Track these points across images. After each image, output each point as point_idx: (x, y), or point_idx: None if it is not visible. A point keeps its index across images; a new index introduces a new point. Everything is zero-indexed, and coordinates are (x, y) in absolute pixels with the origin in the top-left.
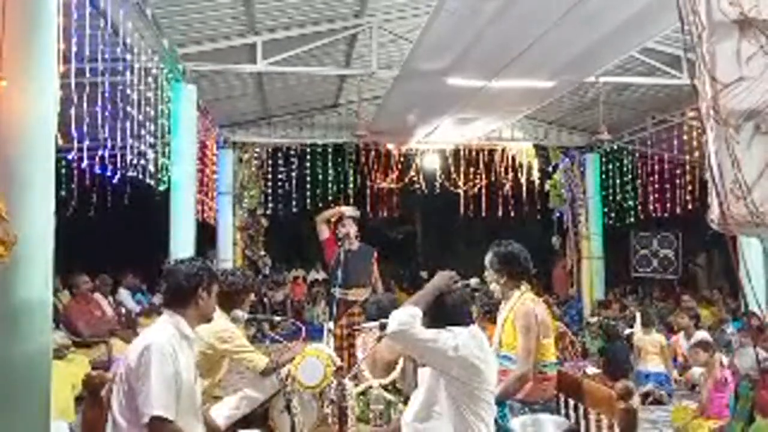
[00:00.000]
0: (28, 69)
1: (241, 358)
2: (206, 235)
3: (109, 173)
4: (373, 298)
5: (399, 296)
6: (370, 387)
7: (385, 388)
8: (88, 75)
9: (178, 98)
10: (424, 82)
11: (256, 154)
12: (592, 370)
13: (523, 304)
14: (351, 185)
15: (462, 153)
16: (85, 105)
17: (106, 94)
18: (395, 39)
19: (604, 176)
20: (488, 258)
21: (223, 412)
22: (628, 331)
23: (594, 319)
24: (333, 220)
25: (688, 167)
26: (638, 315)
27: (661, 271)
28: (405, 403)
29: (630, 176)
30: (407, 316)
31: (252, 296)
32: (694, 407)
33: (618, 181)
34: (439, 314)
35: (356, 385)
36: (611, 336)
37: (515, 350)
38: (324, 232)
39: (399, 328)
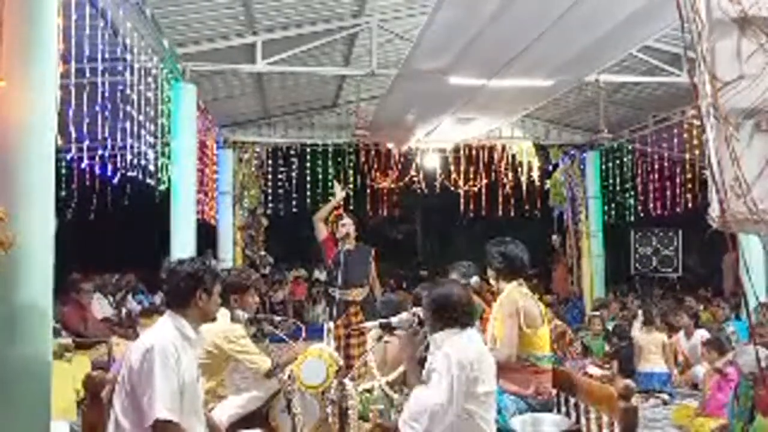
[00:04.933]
0: (27, 69)
1: (246, 359)
2: (207, 235)
3: (109, 173)
4: (382, 297)
5: (403, 296)
6: (374, 386)
7: (390, 385)
8: (87, 75)
9: (178, 98)
10: (424, 81)
11: (256, 154)
12: (594, 369)
13: (507, 296)
14: (351, 185)
15: (462, 152)
16: (84, 105)
17: (106, 94)
18: (394, 39)
19: (604, 175)
20: (487, 254)
21: (228, 410)
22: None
23: (597, 313)
24: (331, 220)
25: (688, 165)
26: (640, 314)
27: (661, 269)
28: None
29: (630, 174)
30: (426, 407)
31: (255, 296)
32: (695, 405)
33: (618, 179)
34: (441, 317)
35: (359, 384)
36: (622, 338)
37: None
38: (322, 233)
39: (427, 424)
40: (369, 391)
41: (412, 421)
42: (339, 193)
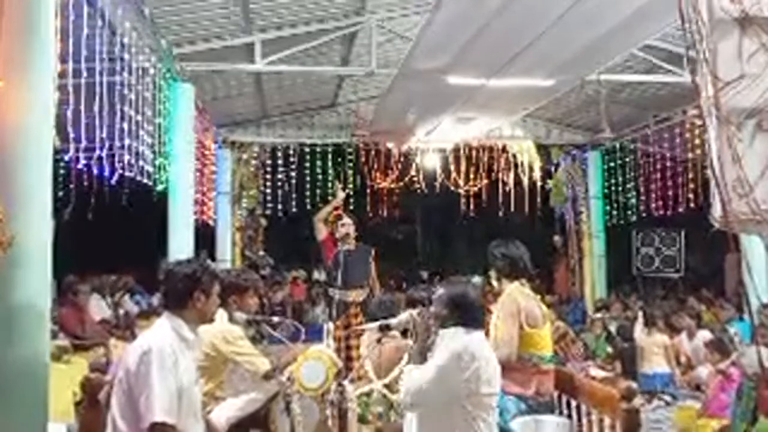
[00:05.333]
0: (25, 69)
1: (243, 360)
2: (205, 235)
3: (106, 174)
4: (376, 298)
5: (397, 297)
6: (373, 389)
7: (388, 387)
8: (85, 75)
9: (176, 98)
10: (424, 81)
11: (254, 154)
12: (597, 371)
13: (508, 295)
14: (351, 185)
15: (462, 152)
16: (82, 105)
17: (104, 94)
18: (394, 38)
19: (606, 174)
20: (489, 255)
21: (227, 412)
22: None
23: (598, 315)
24: (331, 220)
25: (690, 165)
26: (640, 315)
27: (664, 269)
28: None
29: (632, 174)
30: (411, 384)
31: (254, 297)
32: (697, 406)
33: (620, 179)
34: (453, 315)
35: (357, 387)
36: (625, 339)
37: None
38: (321, 233)
39: (411, 400)
40: (367, 394)
41: (405, 395)
42: (340, 193)
